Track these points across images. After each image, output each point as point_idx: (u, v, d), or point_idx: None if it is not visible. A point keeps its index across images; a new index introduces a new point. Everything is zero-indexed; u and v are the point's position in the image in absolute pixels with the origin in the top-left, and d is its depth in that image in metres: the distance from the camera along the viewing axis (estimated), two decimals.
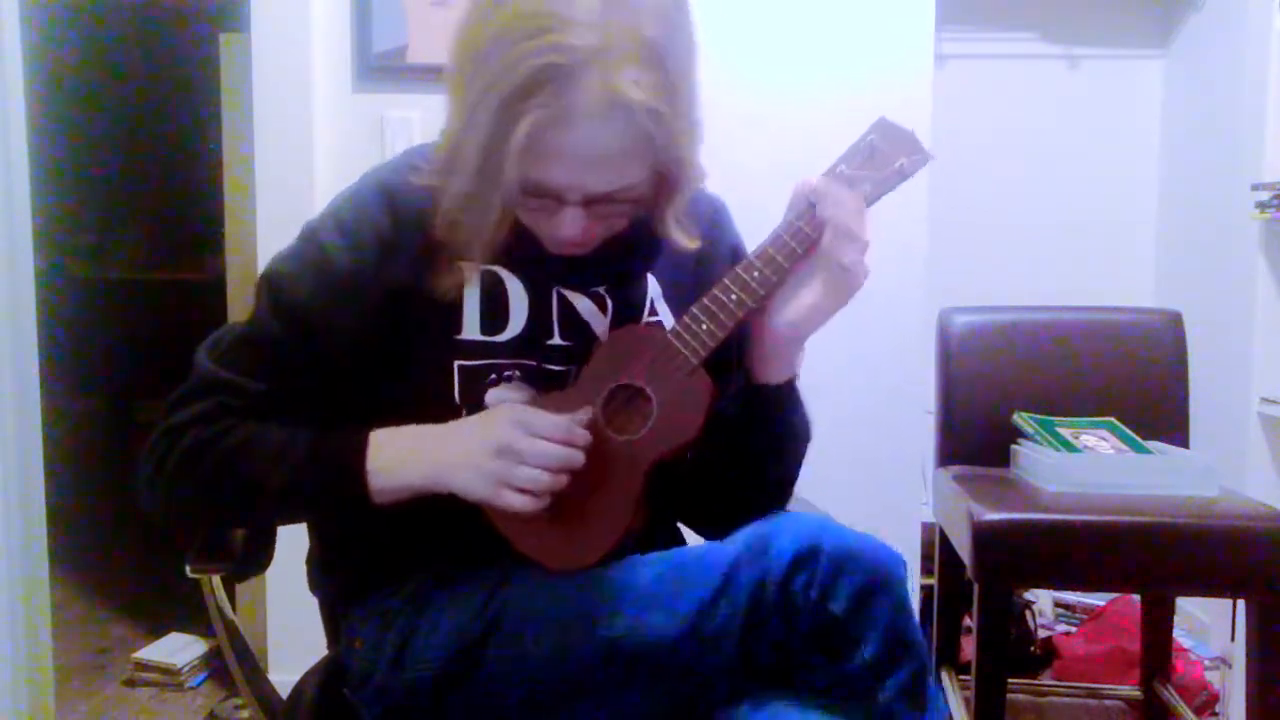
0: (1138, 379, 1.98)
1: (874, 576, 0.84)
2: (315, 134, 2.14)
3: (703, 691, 0.89)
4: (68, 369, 3.42)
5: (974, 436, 1.97)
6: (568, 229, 0.92)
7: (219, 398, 0.96)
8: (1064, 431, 1.83)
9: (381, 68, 2.16)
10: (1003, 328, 2.03)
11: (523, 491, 0.89)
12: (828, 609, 0.84)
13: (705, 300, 0.94)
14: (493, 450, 0.90)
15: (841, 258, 0.92)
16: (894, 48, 2.17)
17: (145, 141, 4.11)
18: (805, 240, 0.94)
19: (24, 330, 1.99)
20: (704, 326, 0.94)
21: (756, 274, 0.94)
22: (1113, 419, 1.89)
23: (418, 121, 2.14)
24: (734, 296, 0.94)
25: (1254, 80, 2.26)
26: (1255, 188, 2.18)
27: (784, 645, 0.85)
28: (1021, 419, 1.88)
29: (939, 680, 2.02)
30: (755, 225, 1.02)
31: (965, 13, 2.68)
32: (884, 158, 0.96)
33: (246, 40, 2.14)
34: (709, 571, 0.88)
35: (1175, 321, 2.01)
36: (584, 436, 0.91)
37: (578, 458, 0.90)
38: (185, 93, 3.67)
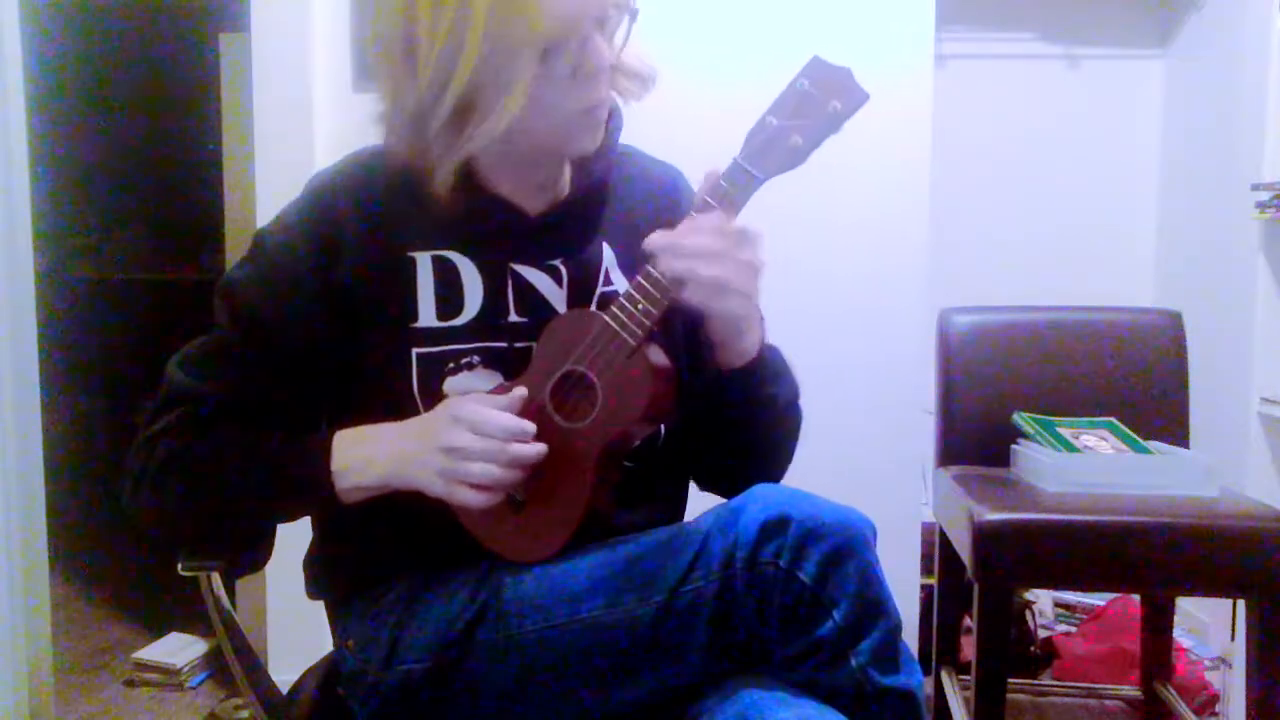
0: (1138, 379, 1.97)
1: (842, 542, 0.85)
2: (315, 134, 2.14)
3: (681, 670, 0.90)
4: (68, 369, 3.42)
5: (974, 436, 1.96)
6: (601, 55, 0.92)
7: (187, 407, 0.99)
8: (1064, 431, 1.83)
9: None
10: (1003, 328, 2.03)
11: (475, 487, 0.91)
12: (797, 576, 0.85)
13: (639, 278, 0.93)
14: (441, 448, 0.91)
15: (706, 308, 0.92)
16: (894, 48, 2.17)
17: (145, 141, 4.11)
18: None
19: (24, 330, 1.99)
20: (639, 306, 0.93)
21: None
22: (1113, 419, 1.88)
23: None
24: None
25: (1254, 80, 2.26)
26: (1255, 188, 2.18)
27: (757, 613, 0.86)
28: (1021, 419, 1.88)
29: (939, 680, 2.02)
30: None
31: (965, 13, 2.68)
32: (815, 103, 0.92)
33: (246, 40, 2.15)
34: (683, 548, 0.89)
35: (1175, 321, 2.01)
36: (528, 430, 0.91)
37: (524, 451, 0.91)
38: (185, 93, 3.67)
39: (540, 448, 0.91)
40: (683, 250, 0.91)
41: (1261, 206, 2.16)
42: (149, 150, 4.11)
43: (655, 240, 0.92)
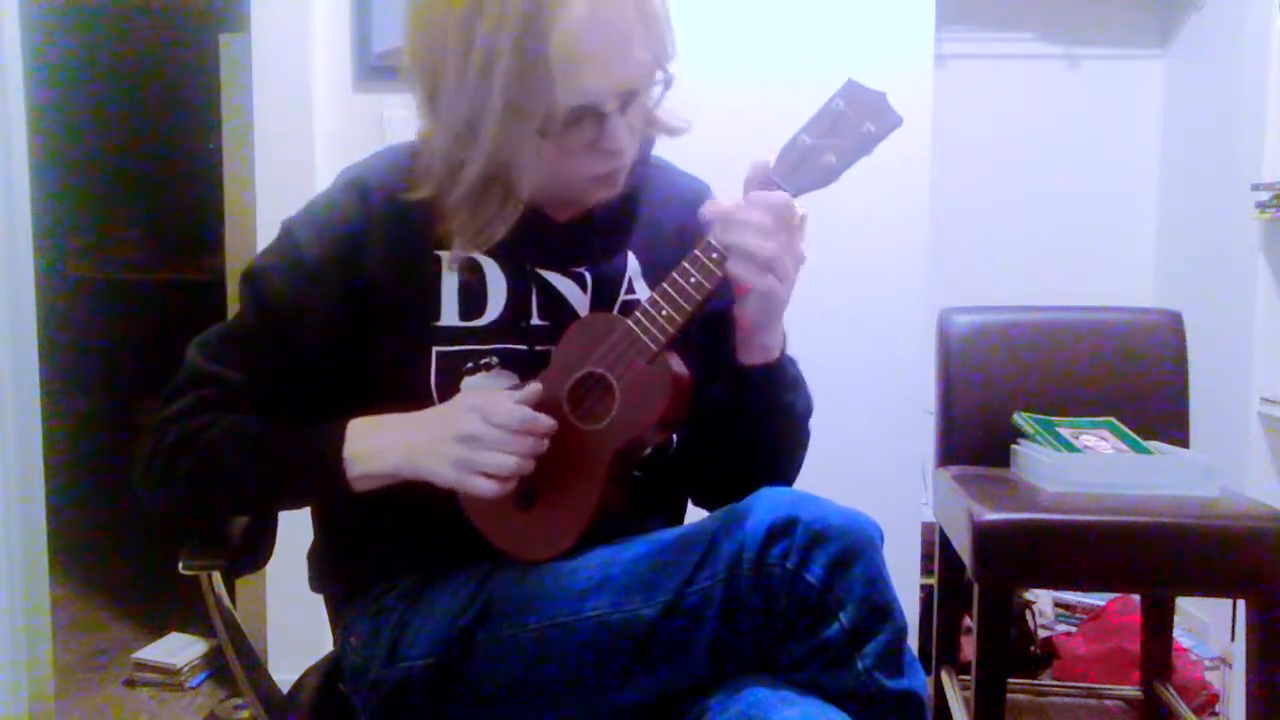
0: (1138, 379, 1.97)
1: (849, 545, 0.85)
2: (315, 134, 2.14)
3: (684, 671, 0.89)
4: (68, 369, 3.42)
5: (974, 436, 1.96)
6: (620, 138, 0.92)
7: (204, 391, 0.99)
8: (1064, 431, 1.83)
9: (381, 67, 2.16)
10: (1003, 328, 2.03)
11: (488, 476, 0.91)
12: (804, 578, 0.85)
13: (664, 284, 0.94)
14: (454, 436, 0.92)
15: (749, 282, 0.92)
16: (894, 48, 2.17)
17: (145, 141, 4.11)
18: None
19: (24, 330, 1.99)
20: (663, 312, 0.93)
21: (715, 255, 0.93)
22: (1113, 419, 1.88)
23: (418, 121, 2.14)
24: (693, 280, 0.93)
25: (1254, 80, 2.26)
26: (1255, 188, 2.18)
27: (763, 615, 0.86)
28: (1021, 419, 1.88)
29: (939, 680, 2.02)
30: None
31: (965, 13, 2.68)
32: (850, 123, 0.93)
33: (246, 40, 2.15)
34: (689, 548, 0.89)
35: (1175, 321, 2.01)
36: (543, 424, 0.92)
37: (536, 443, 0.91)
38: (185, 93, 3.67)
39: (546, 431, 0.92)
40: (736, 220, 0.92)
41: (1261, 206, 2.16)
42: (149, 150, 4.11)
43: (711, 209, 0.93)
